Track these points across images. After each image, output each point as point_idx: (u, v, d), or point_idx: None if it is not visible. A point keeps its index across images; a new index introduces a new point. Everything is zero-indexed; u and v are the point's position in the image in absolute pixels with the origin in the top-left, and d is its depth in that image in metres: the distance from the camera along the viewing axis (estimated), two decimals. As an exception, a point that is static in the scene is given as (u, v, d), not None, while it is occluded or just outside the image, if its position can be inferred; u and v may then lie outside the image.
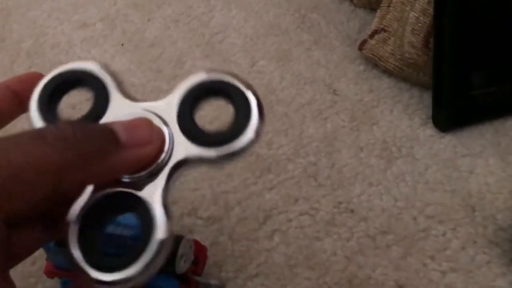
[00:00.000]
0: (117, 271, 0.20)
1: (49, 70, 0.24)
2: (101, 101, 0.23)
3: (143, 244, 0.20)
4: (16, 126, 0.23)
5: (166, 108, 0.22)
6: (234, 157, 0.21)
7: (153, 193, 0.21)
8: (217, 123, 0.49)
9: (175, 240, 0.35)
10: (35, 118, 0.23)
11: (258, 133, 0.21)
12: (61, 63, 0.24)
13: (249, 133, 0.21)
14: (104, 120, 0.23)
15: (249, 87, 0.22)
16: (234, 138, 0.21)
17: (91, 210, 0.21)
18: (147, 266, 0.20)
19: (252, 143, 0.21)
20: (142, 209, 0.21)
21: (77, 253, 0.20)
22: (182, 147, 0.22)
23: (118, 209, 0.22)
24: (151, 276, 0.20)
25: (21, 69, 0.58)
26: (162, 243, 0.20)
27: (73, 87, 0.24)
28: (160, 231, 0.20)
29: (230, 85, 0.22)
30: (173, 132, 0.22)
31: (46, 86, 0.24)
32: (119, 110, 0.23)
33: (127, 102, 0.23)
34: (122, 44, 0.60)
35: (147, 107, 0.23)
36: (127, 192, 0.21)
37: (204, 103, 0.22)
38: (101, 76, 0.23)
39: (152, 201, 0.21)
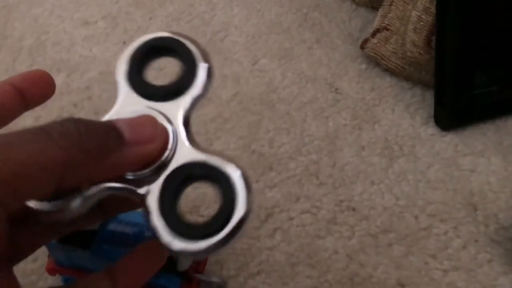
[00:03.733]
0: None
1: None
2: (189, 74, 0.23)
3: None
4: (17, 124, 0.23)
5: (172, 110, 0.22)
6: (224, 245, 0.20)
7: (151, 193, 0.21)
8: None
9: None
10: (124, 87, 0.23)
11: (246, 215, 0.20)
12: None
13: (236, 217, 0.20)
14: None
15: (234, 164, 0.21)
16: (221, 228, 0.20)
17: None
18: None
19: (241, 226, 0.20)
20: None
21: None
22: (185, 152, 0.22)
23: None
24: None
25: (22, 67, 0.58)
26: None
27: (160, 55, 0.24)
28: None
29: (214, 169, 0.21)
30: (177, 131, 0.22)
31: (134, 54, 0.24)
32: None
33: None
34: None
35: (156, 108, 0.23)
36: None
37: (189, 187, 0.22)
38: (188, 46, 0.24)
39: (235, 177, 0.21)
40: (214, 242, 0.20)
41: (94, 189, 0.21)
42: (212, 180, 0.21)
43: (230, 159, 0.21)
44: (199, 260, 0.38)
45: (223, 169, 0.21)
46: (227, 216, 0.20)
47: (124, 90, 0.23)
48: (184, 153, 0.22)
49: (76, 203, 0.20)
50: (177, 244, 0.20)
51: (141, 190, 0.21)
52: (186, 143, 0.22)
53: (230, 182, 0.21)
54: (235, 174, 0.21)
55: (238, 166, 0.21)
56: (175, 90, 0.23)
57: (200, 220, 0.21)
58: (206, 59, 0.24)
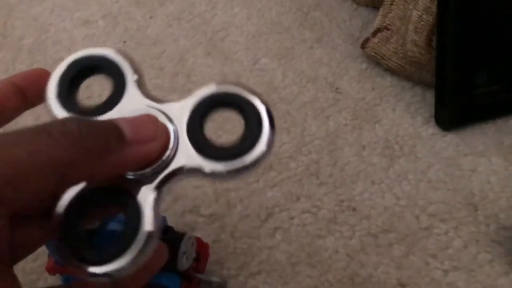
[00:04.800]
0: (106, 263, 0.20)
1: (51, 67, 0.24)
2: (119, 90, 0.23)
3: (131, 236, 0.20)
4: (18, 123, 0.23)
5: (177, 115, 0.22)
6: (246, 171, 0.21)
7: (146, 192, 0.21)
8: (226, 135, 0.49)
9: (177, 237, 0.35)
10: (54, 105, 0.23)
11: (270, 145, 0.21)
12: (63, 60, 0.24)
13: (261, 146, 0.21)
14: (113, 112, 0.22)
15: (259, 98, 0.22)
16: (245, 151, 0.21)
17: (78, 203, 0.21)
18: (135, 258, 0.20)
19: (264, 156, 0.21)
20: (129, 202, 0.21)
21: (63, 246, 0.20)
22: (186, 154, 0.22)
23: (105, 202, 0.22)
24: (137, 269, 0.20)
25: (23, 66, 0.58)
26: (150, 235, 0.20)
27: (91, 74, 0.24)
28: (148, 223, 0.20)
29: (240, 98, 0.22)
30: (178, 130, 0.22)
31: (65, 72, 0.23)
32: (131, 104, 0.23)
33: (139, 97, 0.23)
34: (124, 42, 0.60)
35: (157, 107, 0.23)
36: (115, 186, 0.21)
37: (214, 115, 0.22)
38: (119, 63, 0.23)
39: (143, 197, 0.21)
40: (243, 164, 0.21)
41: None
42: (238, 108, 0.22)
43: (258, 94, 0.22)
44: (226, 180, 0.39)
45: (251, 100, 0.22)
46: (251, 142, 0.21)
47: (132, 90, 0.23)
48: (186, 150, 0.22)
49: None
50: (208, 165, 0.21)
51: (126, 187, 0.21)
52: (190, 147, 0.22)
53: (257, 113, 0.21)
54: (261, 107, 0.21)
55: (264, 101, 0.22)
56: (105, 107, 0.23)
57: (226, 143, 0.21)
58: (136, 71, 0.23)
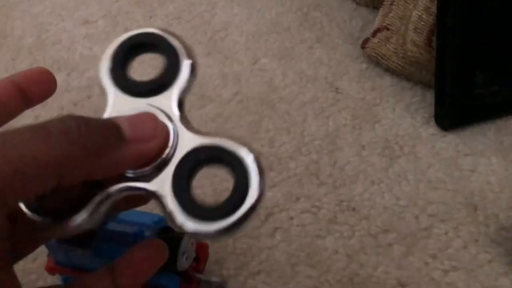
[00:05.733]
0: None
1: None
2: (173, 67, 0.23)
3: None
4: (17, 122, 0.23)
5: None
6: (237, 228, 0.21)
7: (163, 186, 0.21)
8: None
9: (176, 237, 0.35)
10: (107, 83, 0.23)
11: (259, 198, 0.21)
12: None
13: (250, 200, 0.21)
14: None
15: (248, 149, 0.21)
16: (233, 210, 0.20)
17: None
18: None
19: (254, 209, 0.21)
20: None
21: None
22: (188, 141, 0.22)
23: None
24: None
25: (23, 66, 0.58)
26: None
27: (144, 51, 0.25)
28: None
29: (228, 152, 0.21)
30: (178, 128, 0.22)
31: (118, 49, 0.24)
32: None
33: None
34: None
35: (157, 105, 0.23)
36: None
37: (201, 171, 0.22)
38: (172, 42, 0.24)
39: (164, 193, 0.21)
40: (227, 224, 0.20)
41: (98, 198, 0.20)
42: (225, 163, 0.21)
43: (243, 143, 0.21)
44: (213, 240, 0.39)
45: (236, 152, 0.21)
46: (240, 198, 0.20)
47: (111, 88, 0.23)
48: (187, 143, 0.22)
49: (80, 218, 0.20)
50: (191, 225, 0.20)
51: (152, 186, 0.21)
52: (188, 133, 0.22)
53: (243, 165, 0.21)
54: (248, 158, 0.21)
55: (251, 149, 0.21)
56: (159, 85, 0.23)
57: (214, 203, 0.21)
58: (190, 55, 0.24)
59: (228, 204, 0.20)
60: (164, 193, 0.21)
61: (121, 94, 0.23)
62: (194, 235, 0.21)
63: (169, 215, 0.21)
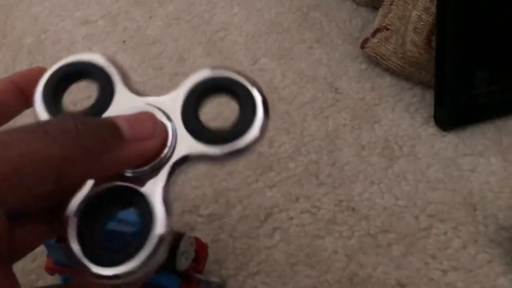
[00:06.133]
0: (117, 265, 0.19)
1: (51, 67, 0.24)
2: (106, 94, 0.23)
3: (143, 239, 0.20)
4: (17, 122, 0.23)
5: (170, 104, 0.22)
6: (238, 155, 0.21)
7: (154, 189, 0.21)
8: (220, 120, 0.49)
9: (176, 237, 0.35)
10: (40, 110, 0.23)
11: (263, 130, 0.21)
12: (60, 60, 0.24)
13: (254, 130, 0.21)
14: (108, 113, 0.22)
15: (254, 83, 0.22)
16: (239, 135, 0.21)
17: (90, 204, 0.21)
18: (146, 261, 0.19)
19: (257, 140, 0.21)
20: (142, 204, 0.21)
21: (76, 247, 0.20)
22: (185, 143, 0.22)
23: (117, 203, 0.22)
24: (151, 271, 0.20)
25: (22, 66, 0.58)
26: (162, 238, 0.20)
27: (78, 79, 0.24)
28: (160, 225, 0.20)
29: (235, 82, 0.22)
30: (176, 128, 0.22)
31: (50, 78, 0.23)
32: (123, 104, 0.23)
33: (131, 96, 0.23)
34: (124, 42, 0.60)
35: (151, 101, 0.23)
36: (127, 187, 0.21)
37: (209, 100, 0.22)
38: (106, 69, 0.23)
39: (153, 196, 0.21)
40: (234, 149, 0.21)
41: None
42: (234, 95, 0.22)
43: (254, 82, 0.22)
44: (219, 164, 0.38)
45: (249, 89, 0.22)
46: (243, 128, 0.21)
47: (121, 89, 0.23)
48: (185, 146, 0.22)
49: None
50: (198, 147, 0.21)
51: (140, 188, 0.21)
52: (187, 136, 0.22)
53: (252, 102, 0.21)
54: (258, 97, 0.22)
55: (260, 91, 0.22)
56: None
57: (217, 127, 0.21)
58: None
59: (234, 130, 0.21)
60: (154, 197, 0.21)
61: (131, 94, 0.23)
62: (203, 157, 0.21)
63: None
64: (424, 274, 0.41)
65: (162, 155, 0.21)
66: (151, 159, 0.21)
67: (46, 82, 0.23)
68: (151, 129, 0.21)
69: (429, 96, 0.53)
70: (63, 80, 0.24)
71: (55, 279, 0.39)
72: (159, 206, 0.20)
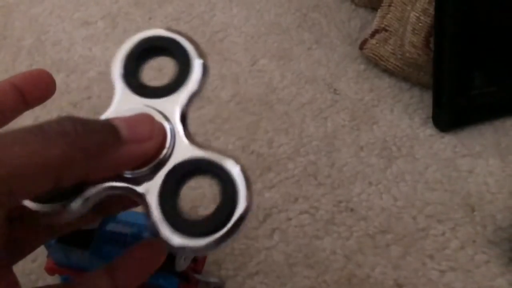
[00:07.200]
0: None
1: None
2: (185, 69, 0.23)
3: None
4: (17, 124, 0.23)
5: (169, 106, 0.23)
6: (225, 242, 0.20)
7: (150, 189, 0.21)
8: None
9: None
10: (117, 81, 0.23)
11: (247, 211, 0.20)
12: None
13: (236, 216, 0.20)
14: (110, 113, 0.23)
15: (235, 161, 0.21)
16: (222, 224, 0.20)
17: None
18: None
19: (241, 225, 0.20)
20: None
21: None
22: (184, 150, 0.22)
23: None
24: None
25: (22, 67, 0.58)
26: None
27: (155, 55, 0.25)
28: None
29: (214, 164, 0.21)
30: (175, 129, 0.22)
31: (132, 49, 0.24)
32: (123, 104, 0.23)
33: (131, 96, 0.23)
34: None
35: (149, 103, 0.23)
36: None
37: (189, 182, 0.22)
38: (183, 44, 0.24)
39: (151, 199, 0.21)
40: (214, 239, 0.20)
41: (93, 190, 0.21)
42: (211, 175, 0.21)
43: (229, 155, 0.21)
44: (200, 255, 0.38)
45: (222, 164, 0.21)
46: (227, 213, 0.20)
47: (120, 89, 0.23)
48: (182, 150, 0.22)
49: (75, 205, 0.20)
50: (177, 240, 0.20)
51: (141, 188, 0.21)
52: (184, 140, 0.22)
53: (229, 177, 0.21)
54: (234, 169, 0.21)
55: (237, 161, 0.21)
56: (170, 87, 0.23)
57: (200, 216, 0.21)
58: (201, 55, 0.24)
59: (215, 219, 0.20)
60: (151, 205, 0.21)
61: (132, 95, 0.23)
62: (181, 250, 0.20)
63: (153, 225, 0.21)
64: (422, 275, 0.41)
65: (161, 156, 0.21)
66: (150, 160, 0.21)
67: (125, 58, 0.24)
68: (149, 130, 0.21)
69: (428, 97, 0.53)
70: (142, 55, 0.24)
71: (55, 279, 0.40)
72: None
